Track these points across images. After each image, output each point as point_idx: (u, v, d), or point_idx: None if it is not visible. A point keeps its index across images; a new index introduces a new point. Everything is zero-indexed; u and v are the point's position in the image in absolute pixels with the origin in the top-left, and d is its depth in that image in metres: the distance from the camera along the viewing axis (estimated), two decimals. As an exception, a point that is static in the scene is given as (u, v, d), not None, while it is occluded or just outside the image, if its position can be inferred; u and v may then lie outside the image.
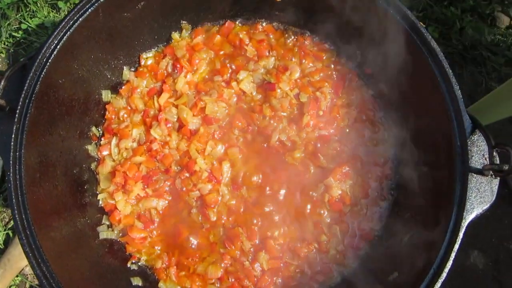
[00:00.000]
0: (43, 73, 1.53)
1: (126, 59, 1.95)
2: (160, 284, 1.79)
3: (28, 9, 3.04)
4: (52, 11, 3.07)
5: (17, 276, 2.65)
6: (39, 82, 1.52)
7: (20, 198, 1.45)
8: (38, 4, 3.03)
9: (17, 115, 1.48)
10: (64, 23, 1.56)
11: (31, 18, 3.03)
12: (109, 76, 1.92)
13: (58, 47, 1.56)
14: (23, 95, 1.49)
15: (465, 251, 2.82)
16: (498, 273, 2.81)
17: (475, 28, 3.11)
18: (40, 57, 1.52)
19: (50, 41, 1.54)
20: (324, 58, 1.96)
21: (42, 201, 1.56)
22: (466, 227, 1.36)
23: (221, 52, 1.99)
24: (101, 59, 1.83)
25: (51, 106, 1.63)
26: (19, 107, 1.48)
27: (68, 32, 1.57)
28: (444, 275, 1.33)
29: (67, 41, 1.57)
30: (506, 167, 1.33)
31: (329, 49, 1.98)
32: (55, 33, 1.55)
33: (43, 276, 1.42)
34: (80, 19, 1.58)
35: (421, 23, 1.57)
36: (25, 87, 1.50)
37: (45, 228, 1.51)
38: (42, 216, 1.51)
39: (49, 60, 1.54)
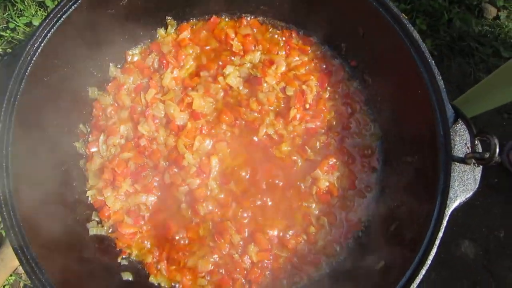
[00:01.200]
0: (27, 70, 1.53)
1: (112, 56, 1.95)
2: (151, 278, 1.80)
3: (15, 8, 3.03)
4: (39, 10, 3.06)
5: (11, 275, 2.66)
6: (24, 80, 1.53)
7: (8, 196, 1.46)
8: (26, 2, 3.02)
9: (2, 113, 1.49)
10: (48, 20, 1.56)
11: (18, 17, 3.02)
12: (95, 73, 1.92)
13: (43, 44, 1.56)
14: (8, 93, 1.50)
15: (455, 241, 2.85)
16: (488, 262, 2.84)
17: (463, 20, 3.13)
18: (24, 54, 1.53)
19: (34, 39, 1.54)
20: (310, 51, 1.97)
21: (30, 198, 1.56)
22: (450, 215, 1.38)
23: (207, 47, 1.99)
24: (86, 56, 1.82)
25: (37, 104, 1.63)
26: (4, 105, 1.49)
27: (52, 29, 1.57)
28: (428, 262, 1.35)
29: (51, 38, 1.57)
30: (487, 155, 1.35)
31: (315, 42, 1.99)
32: (39, 31, 1.55)
33: (32, 273, 1.43)
34: (64, 16, 1.58)
35: (404, 15, 1.58)
36: (10, 85, 1.50)
37: (34, 225, 1.51)
38: (30, 213, 1.52)
39: (34, 58, 1.54)
